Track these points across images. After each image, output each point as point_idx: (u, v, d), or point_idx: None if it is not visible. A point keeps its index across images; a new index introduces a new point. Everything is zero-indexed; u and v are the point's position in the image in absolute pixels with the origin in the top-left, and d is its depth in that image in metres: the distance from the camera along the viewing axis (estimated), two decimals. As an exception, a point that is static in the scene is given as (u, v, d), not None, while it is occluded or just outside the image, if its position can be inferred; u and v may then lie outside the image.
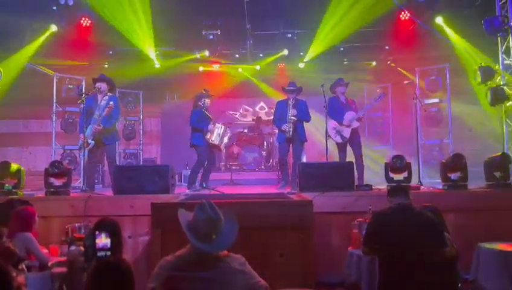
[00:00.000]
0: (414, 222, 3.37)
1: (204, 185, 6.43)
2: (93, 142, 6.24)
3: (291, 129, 6.57)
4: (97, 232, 2.23)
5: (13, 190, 5.47)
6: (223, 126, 6.85)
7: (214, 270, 2.31)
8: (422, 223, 3.38)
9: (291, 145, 6.77)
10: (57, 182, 5.53)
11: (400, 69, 9.35)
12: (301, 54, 9.87)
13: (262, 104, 10.93)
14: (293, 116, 6.59)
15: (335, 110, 6.72)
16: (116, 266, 1.99)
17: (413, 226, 3.32)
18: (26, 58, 8.27)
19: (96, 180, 7.42)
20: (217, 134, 6.68)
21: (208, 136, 6.59)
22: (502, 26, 6.50)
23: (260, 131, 9.77)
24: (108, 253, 2.25)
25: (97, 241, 2.22)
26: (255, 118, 10.31)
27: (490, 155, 5.91)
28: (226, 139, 6.91)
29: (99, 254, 2.21)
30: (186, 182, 8.65)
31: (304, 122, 6.80)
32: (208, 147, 6.67)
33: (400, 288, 3.20)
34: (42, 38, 8.14)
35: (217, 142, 6.68)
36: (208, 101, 6.83)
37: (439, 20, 8.05)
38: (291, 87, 6.76)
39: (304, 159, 7.26)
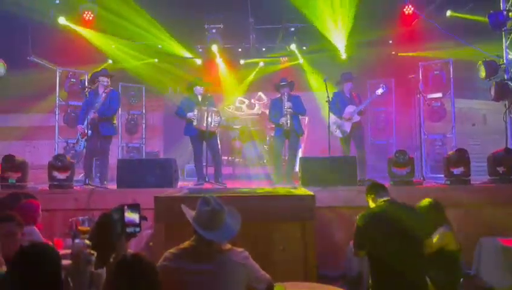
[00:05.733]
0: (399, 216, 3.27)
1: (207, 180, 6.39)
2: (90, 131, 6.17)
3: (288, 122, 6.54)
4: (126, 207, 2.17)
5: (17, 184, 5.51)
6: (204, 108, 6.30)
7: (217, 263, 2.33)
8: (407, 216, 3.30)
9: (287, 139, 6.76)
10: (60, 175, 5.57)
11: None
12: (304, 48, 9.85)
13: (260, 94, 10.82)
14: (289, 108, 6.56)
15: (338, 104, 6.71)
16: (138, 264, 1.95)
17: (399, 221, 3.22)
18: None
19: (98, 174, 7.38)
20: (200, 117, 6.29)
21: (194, 123, 6.32)
22: (507, 21, 6.46)
23: (263, 126, 9.77)
24: (138, 229, 2.21)
25: (126, 215, 2.17)
26: (260, 112, 10.30)
27: (492, 150, 5.90)
28: (210, 119, 6.27)
29: (129, 229, 2.17)
30: (188, 176, 8.70)
31: (301, 116, 6.82)
32: (197, 137, 6.44)
33: (395, 287, 3.13)
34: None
35: (203, 127, 6.25)
36: (198, 88, 6.57)
37: (448, 13, 8.05)
38: (283, 82, 6.77)
39: (300, 154, 7.24)
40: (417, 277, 3.13)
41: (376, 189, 3.52)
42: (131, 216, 2.20)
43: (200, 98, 6.53)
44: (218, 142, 6.84)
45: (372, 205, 3.52)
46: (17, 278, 1.91)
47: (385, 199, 3.40)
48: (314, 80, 9.00)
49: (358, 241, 3.34)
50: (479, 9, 7.25)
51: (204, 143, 6.54)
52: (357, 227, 3.34)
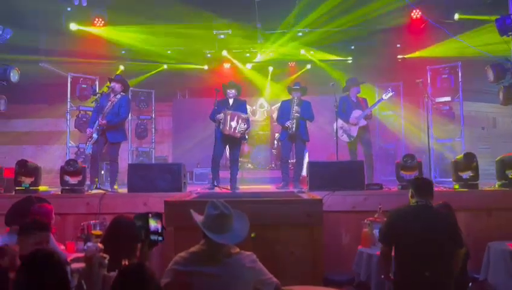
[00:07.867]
0: (433, 222, 3.27)
1: (216, 184, 6.44)
2: (96, 136, 6.19)
3: (294, 126, 6.56)
4: (150, 215, 2.20)
5: (30, 188, 5.61)
6: (230, 112, 6.41)
7: (225, 266, 2.38)
8: (441, 223, 3.30)
9: (294, 144, 6.78)
10: (72, 180, 5.68)
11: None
12: (312, 52, 9.90)
13: (262, 101, 10.74)
14: (297, 112, 6.58)
15: (344, 108, 6.75)
16: (140, 274, 1.99)
17: (432, 227, 3.24)
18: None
19: (109, 178, 7.44)
20: (224, 121, 6.36)
21: (221, 127, 6.40)
22: (514, 25, 6.43)
23: (271, 130, 9.83)
24: (160, 238, 2.23)
25: (150, 222, 2.19)
26: (264, 117, 10.35)
27: (502, 154, 5.88)
28: (234, 124, 6.36)
29: (153, 237, 2.20)
30: (197, 180, 8.77)
31: (309, 122, 6.80)
32: (221, 140, 6.52)
33: (415, 288, 3.19)
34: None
35: (226, 131, 6.34)
36: (230, 92, 6.62)
37: (456, 17, 8.00)
38: (296, 87, 6.81)
39: (306, 159, 7.27)
40: (440, 279, 3.15)
41: (414, 186, 3.47)
42: (155, 224, 2.24)
43: (231, 101, 6.62)
44: (239, 150, 6.90)
45: (411, 200, 3.50)
46: (24, 284, 1.96)
47: (420, 200, 3.36)
48: (321, 85, 9.02)
49: (383, 236, 3.46)
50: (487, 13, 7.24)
51: (227, 148, 6.66)
52: (385, 222, 3.50)
